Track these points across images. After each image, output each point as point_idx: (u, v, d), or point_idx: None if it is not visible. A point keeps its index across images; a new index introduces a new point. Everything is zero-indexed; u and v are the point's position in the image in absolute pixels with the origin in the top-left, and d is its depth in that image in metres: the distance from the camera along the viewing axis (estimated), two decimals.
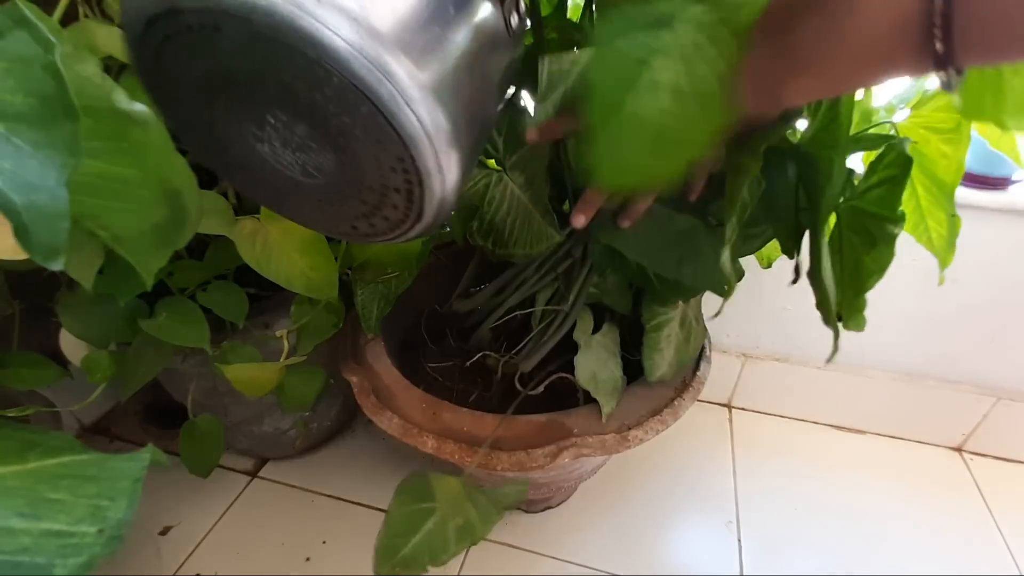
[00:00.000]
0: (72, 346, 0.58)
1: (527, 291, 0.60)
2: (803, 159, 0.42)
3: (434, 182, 0.30)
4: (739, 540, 0.82)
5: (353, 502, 0.85)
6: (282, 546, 0.79)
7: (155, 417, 0.92)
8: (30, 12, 0.22)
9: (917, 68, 0.29)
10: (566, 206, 0.56)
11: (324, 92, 0.26)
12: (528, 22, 0.37)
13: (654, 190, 0.44)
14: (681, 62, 0.29)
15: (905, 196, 0.47)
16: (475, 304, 0.64)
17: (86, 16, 0.47)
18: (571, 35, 0.49)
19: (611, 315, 0.63)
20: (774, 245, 0.61)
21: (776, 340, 0.98)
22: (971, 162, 0.75)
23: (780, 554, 0.80)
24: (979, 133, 0.53)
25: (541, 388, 0.59)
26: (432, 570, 0.43)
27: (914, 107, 0.51)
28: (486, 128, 0.38)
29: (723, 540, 0.82)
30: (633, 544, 0.80)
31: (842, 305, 0.42)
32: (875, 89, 0.52)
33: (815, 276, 0.42)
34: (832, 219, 0.45)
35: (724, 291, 0.52)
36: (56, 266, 0.21)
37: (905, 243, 0.41)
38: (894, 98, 0.53)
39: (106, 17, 0.48)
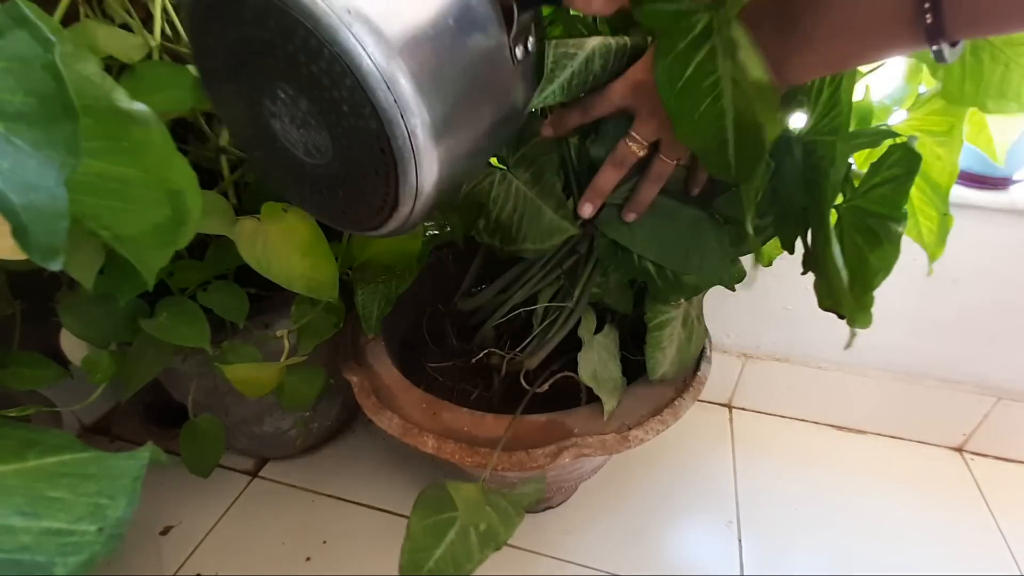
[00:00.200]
0: (73, 346, 0.58)
1: (530, 289, 0.60)
2: (806, 148, 0.42)
3: (408, 167, 0.31)
4: (739, 540, 0.82)
5: (354, 502, 0.85)
6: (283, 546, 0.79)
7: (156, 417, 0.92)
8: (30, 11, 0.22)
9: (911, 42, 0.31)
10: (570, 202, 0.56)
11: (319, 64, 0.28)
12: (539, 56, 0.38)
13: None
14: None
15: None
16: (479, 302, 0.64)
17: (87, 16, 0.47)
18: (576, 29, 0.49)
19: (611, 316, 0.63)
20: (774, 244, 0.62)
21: (777, 340, 0.98)
22: (971, 162, 0.76)
23: (780, 554, 0.80)
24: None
25: (547, 386, 0.59)
26: None
27: (909, 110, 0.52)
28: (484, 140, 0.38)
29: (723, 540, 0.82)
30: (633, 544, 0.80)
31: (848, 303, 0.43)
32: (872, 90, 0.52)
33: (822, 265, 0.42)
34: (832, 218, 0.45)
35: (731, 283, 0.52)
36: (55, 266, 0.21)
37: (905, 243, 0.42)
38: (886, 97, 0.54)
39: (107, 17, 0.48)
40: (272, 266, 0.50)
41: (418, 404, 0.58)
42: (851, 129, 0.52)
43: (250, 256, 0.49)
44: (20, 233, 0.20)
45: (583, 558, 0.78)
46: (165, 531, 0.81)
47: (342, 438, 0.96)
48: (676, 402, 0.59)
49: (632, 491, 0.88)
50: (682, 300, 0.58)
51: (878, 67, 0.50)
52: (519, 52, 0.35)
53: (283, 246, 0.51)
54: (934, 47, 0.30)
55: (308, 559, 0.77)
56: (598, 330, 0.60)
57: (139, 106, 0.29)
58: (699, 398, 0.61)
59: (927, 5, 0.29)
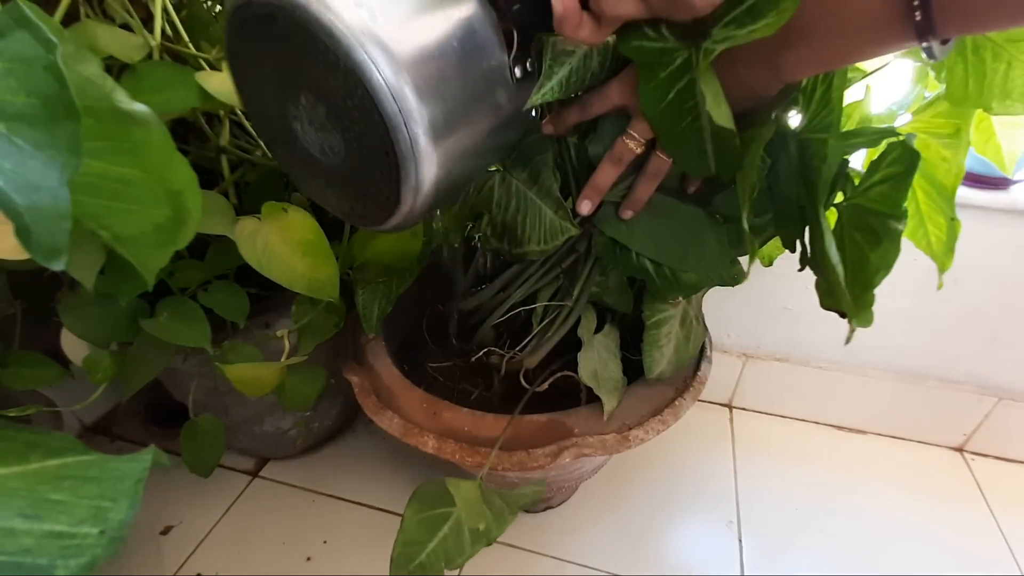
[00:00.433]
0: (73, 346, 0.58)
1: (530, 288, 0.60)
2: (801, 146, 0.43)
3: (409, 168, 0.34)
4: (740, 540, 0.82)
5: (354, 502, 0.86)
6: (283, 546, 0.79)
7: (156, 417, 0.92)
8: (32, 12, 0.22)
9: (902, 39, 0.31)
10: (570, 202, 0.56)
11: (336, 77, 0.32)
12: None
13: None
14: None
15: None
16: (479, 301, 0.64)
17: (87, 16, 0.47)
18: None
19: (612, 316, 0.63)
20: (775, 244, 0.62)
21: (777, 340, 0.98)
22: (972, 162, 0.75)
23: (781, 554, 0.80)
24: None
25: (546, 385, 0.59)
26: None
27: (914, 112, 0.52)
28: (482, 149, 0.40)
29: (724, 540, 0.82)
30: (634, 544, 0.80)
31: (846, 300, 0.43)
32: (875, 94, 0.52)
33: (818, 262, 0.42)
34: (832, 216, 0.45)
35: (733, 280, 0.52)
36: (57, 266, 0.21)
37: (905, 243, 0.42)
38: (893, 104, 0.54)
39: (107, 17, 0.48)
40: (272, 266, 0.50)
41: (418, 404, 0.58)
42: (851, 129, 0.52)
43: (250, 256, 0.49)
44: (23, 233, 0.20)
45: (583, 558, 0.78)
46: (166, 531, 0.81)
47: (342, 438, 0.96)
48: (676, 402, 0.59)
49: (632, 491, 0.88)
50: (680, 299, 0.58)
51: (879, 68, 0.50)
52: (518, 71, 0.38)
53: (283, 246, 0.51)
54: (924, 44, 0.31)
55: (308, 559, 0.77)
56: (598, 330, 0.60)
57: (140, 106, 0.29)
58: (699, 398, 0.61)
59: (916, 3, 0.29)
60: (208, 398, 0.72)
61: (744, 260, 0.55)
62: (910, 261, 0.62)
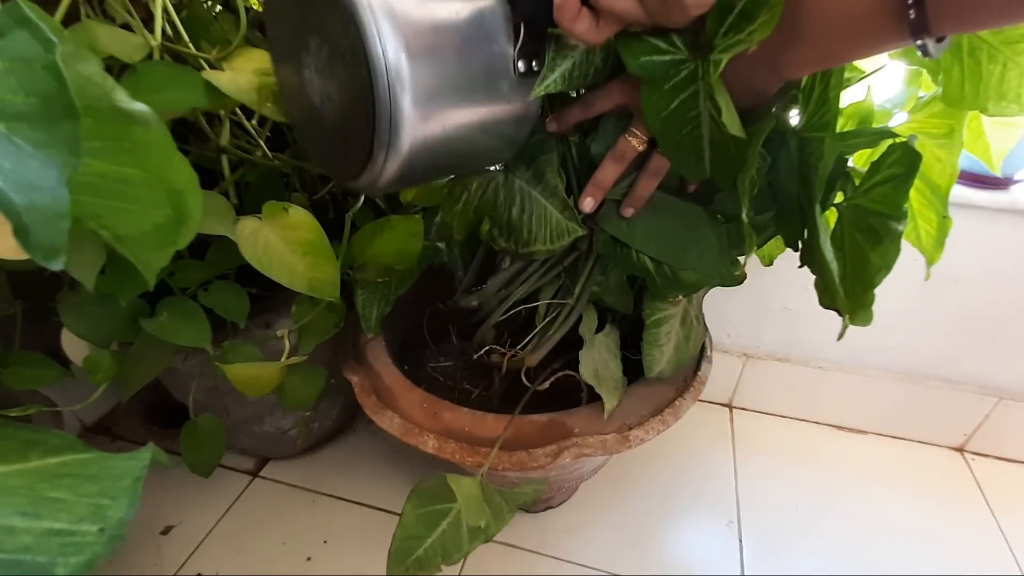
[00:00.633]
0: (74, 346, 0.58)
1: (531, 286, 0.60)
2: (800, 144, 0.43)
3: (384, 115, 0.34)
4: (740, 540, 0.82)
5: (354, 502, 0.86)
6: (283, 546, 0.79)
7: (156, 417, 0.92)
8: (31, 12, 0.22)
9: (897, 36, 0.32)
10: (570, 200, 0.56)
11: (335, 15, 0.34)
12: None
13: None
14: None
15: None
16: (480, 300, 0.64)
17: (88, 16, 0.47)
18: None
19: (612, 316, 0.63)
20: (775, 243, 0.62)
21: (777, 340, 0.98)
22: (972, 162, 0.75)
23: (781, 554, 0.80)
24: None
25: (547, 384, 0.59)
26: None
27: (909, 113, 0.52)
28: (469, 132, 0.40)
29: (724, 540, 0.82)
30: (634, 544, 0.80)
31: (841, 298, 0.43)
32: (874, 94, 0.52)
33: (814, 256, 0.42)
34: (832, 216, 0.45)
35: (733, 279, 0.52)
36: (56, 266, 0.21)
37: (905, 244, 0.42)
38: (887, 102, 0.54)
39: (107, 17, 0.48)
40: (273, 266, 0.50)
41: (419, 404, 0.58)
42: (850, 129, 0.53)
43: (251, 256, 0.49)
44: (22, 233, 0.20)
45: (583, 558, 0.78)
46: (166, 531, 0.81)
47: (343, 438, 0.96)
48: (677, 402, 0.59)
49: (632, 491, 0.88)
50: (681, 298, 0.58)
51: (879, 69, 0.50)
52: (522, 65, 0.39)
53: (284, 246, 0.51)
54: (918, 41, 0.31)
55: (309, 559, 0.77)
56: (599, 330, 0.60)
57: (140, 106, 0.29)
58: (700, 398, 0.61)
59: (910, 1, 0.30)
60: (208, 398, 0.72)
61: (743, 259, 0.55)
62: (911, 261, 0.62)
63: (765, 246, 0.62)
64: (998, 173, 0.57)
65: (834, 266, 0.41)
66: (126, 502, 0.20)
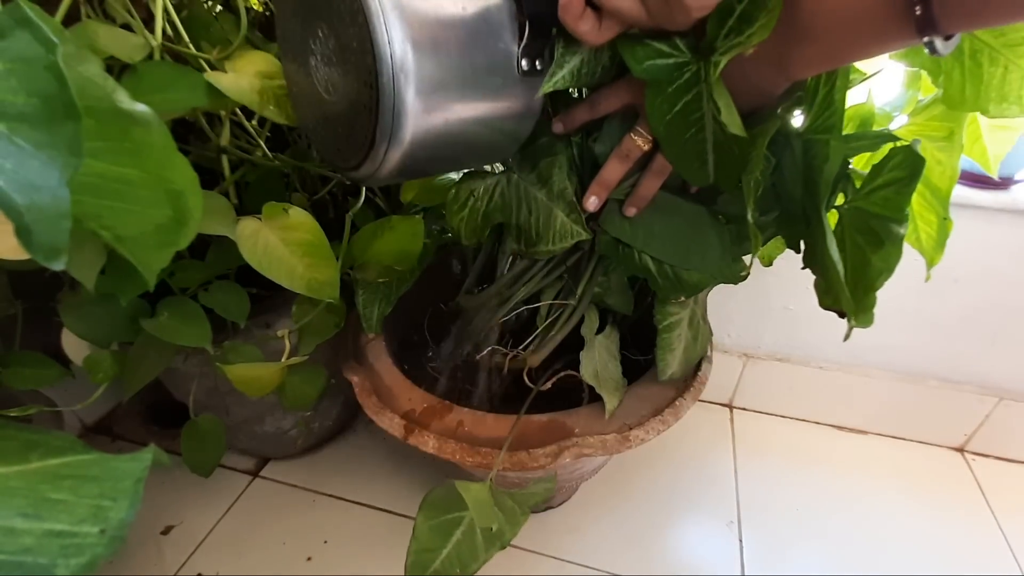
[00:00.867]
0: (74, 346, 0.58)
1: (533, 287, 0.60)
2: (804, 146, 0.43)
3: (387, 104, 0.35)
4: (740, 540, 0.82)
5: (354, 502, 0.86)
6: (283, 546, 0.79)
7: (157, 417, 0.92)
8: (32, 12, 0.22)
9: (904, 34, 0.31)
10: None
11: (345, 4, 0.34)
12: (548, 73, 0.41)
13: None
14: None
15: None
16: (482, 301, 0.64)
17: (88, 16, 0.47)
18: None
19: (612, 317, 0.63)
20: (775, 244, 0.62)
21: (778, 340, 0.98)
22: (973, 162, 0.75)
23: (781, 554, 0.80)
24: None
25: (550, 384, 0.59)
26: None
27: (910, 116, 0.52)
28: (471, 126, 0.40)
29: (724, 540, 0.82)
30: (634, 544, 0.80)
31: (846, 299, 0.43)
32: (874, 96, 0.53)
33: (819, 261, 0.42)
34: (833, 218, 0.45)
35: (736, 278, 0.52)
36: (58, 266, 0.21)
37: (905, 244, 0.42)
38: (887, 105, 0.54)
39: (108, 17, 0.48)
40: (273, 266, 0.50)
41: (419, 404, 0.58)
42: (851, 132, 0.53)
43: (251, 257, 0.49)
44: (23, 233, 0.20)
45: (583, 558, 0.78)
46: (166, 531, 0.81)
47: (343, 438, 0.96)
48: (677, 402, 0.59)
49: (633, 491, 0.88)
50: (687, 300, 0.58)
51: (878, 72, 0.50)
52: (525, 64, 0.39)
53: (284, 246, 0.51)
54: (925, 39, 0.31)
55: (309, 559, 0.77)
56: (599, 331, 0.60)
57: (140, 106, 0.29)
58: (700, 398, 0.61)
59: None
60: (209, 398, 0.72)
61: (745, 258, 0.55)
62: (911, 261, 0.62)
63: (765, 246, 0.62)
64: (995, 176, 0.57)
65: (840, 268, 0.41)
66: (127, 503, 0.20)
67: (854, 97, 0.52)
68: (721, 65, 0.36)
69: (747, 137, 0.38)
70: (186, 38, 0.49)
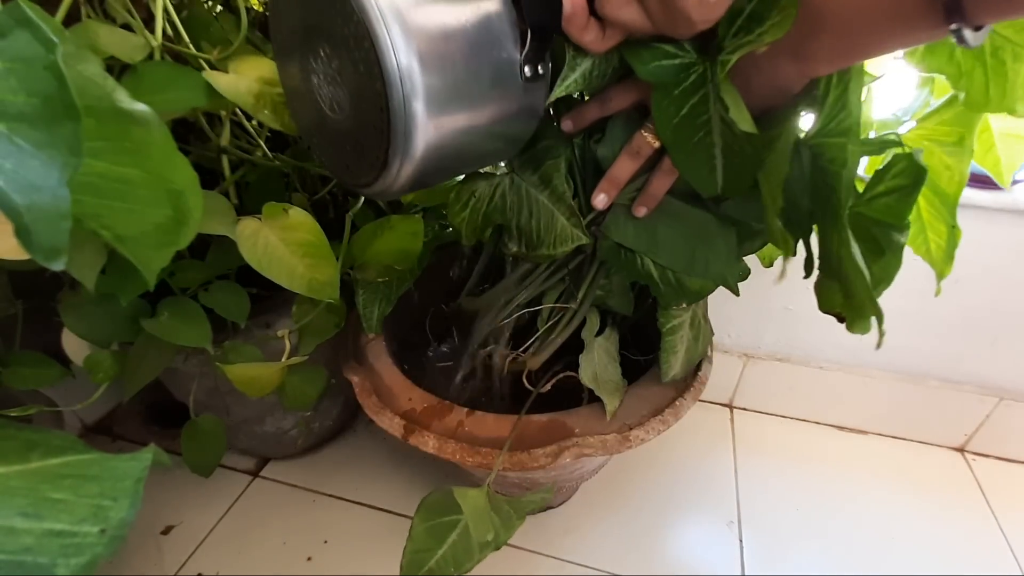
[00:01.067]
0: (74, 346, 0.58)
1: (535, 290, 0.60)
2: (813, 152, 0.42)
3: (399, 127, 0.35)
4: (740, 540, 0.82)
5: (355, 502, 0.86)
6: (284, 545, 0.79)
7: (157, 416, 0.92)
8: (32, 12, 0.22)
9: (930, 23, 0.30)
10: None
11: (349, 28, 0.34)
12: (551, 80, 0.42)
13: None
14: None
15: None
16: (483, 303, 0.64)
17: (88, 16, 0.47)
18: None
19: (612, 318, 0.63)
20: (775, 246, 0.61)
21: (778, 340, 0.98)
22: (973, 162, 0.75)
23: (782, 554, 0.80)
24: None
25: (549, 386, 0.59)
26: None
27: (919, 120, 0.51)
28: (478, 135, 0.40)
29: (724, 540, 0.82)
30: (634, 544, 0.80)
31: (870, 305, 0.42)
32: (875, 99, 0.52)
33: (838, 268, 0.41)
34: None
35: (736, 286, 0.52)
36: (58, 266, 0.21)
37: (916, 254, 0.42)
38: (899, 110, 0.54)
39: (108, 17, 0.48)
40: (273, 266, 0.50)
41: (419, 404, 0.58)
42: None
43: (251, 257, 0.49)
44: (23, 233, 0.20)
45: (583, 558, 0.78)
46: (166, 530, 0.81)
47: (343, 438, 0.96)
48: (677, 402, 0.59)
49: (633, 491, 0.88)
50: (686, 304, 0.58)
51: (882, 75, 0.50)
52: (528, 70, 0.39)
53: (284, 247, 0.51)
54: (952, 27, 0.29)
55: (309, 559, 0.77)
56: (599, 332, 0.60)
57: (140, 106, 0.29)
58: (700, 398, 0.61)
59: None
60: (209, 398, 0.73)
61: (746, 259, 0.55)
62: (911, 261, 0.62)
63: (765, 247, 0.62)
64: (1008, 188, 0.56)
65: (867, 274, 0.40)
66: (127, 503, 0.20)
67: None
68: (729, 64, 0.35)
69: (759, 135, 0.38)
70: (186, 38, 0.49)
